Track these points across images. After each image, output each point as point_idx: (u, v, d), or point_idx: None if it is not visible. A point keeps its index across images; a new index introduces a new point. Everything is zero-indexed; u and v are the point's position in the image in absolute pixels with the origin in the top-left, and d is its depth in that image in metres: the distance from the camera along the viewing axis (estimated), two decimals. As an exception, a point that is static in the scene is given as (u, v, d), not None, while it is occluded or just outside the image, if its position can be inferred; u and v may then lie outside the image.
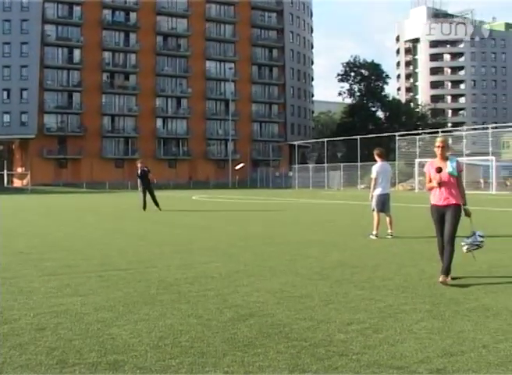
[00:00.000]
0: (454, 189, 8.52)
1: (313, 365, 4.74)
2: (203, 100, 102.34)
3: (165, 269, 9.67)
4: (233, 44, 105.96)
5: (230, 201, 36.23)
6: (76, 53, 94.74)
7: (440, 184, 8.46)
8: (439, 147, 8.66)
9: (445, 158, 8.65)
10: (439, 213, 8.51)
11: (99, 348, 5.22)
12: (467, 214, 8.48)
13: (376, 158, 14.91)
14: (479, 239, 8.46)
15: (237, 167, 14.41)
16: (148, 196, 25.84)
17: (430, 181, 8.71)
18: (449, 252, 8.34)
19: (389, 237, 14.31)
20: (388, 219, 14.67)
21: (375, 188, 14.74)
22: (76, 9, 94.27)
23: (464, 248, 8.51)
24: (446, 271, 8.28)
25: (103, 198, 48.74)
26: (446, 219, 8.40)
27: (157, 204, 25.72)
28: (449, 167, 8.50)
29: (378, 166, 14.71)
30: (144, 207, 25.51)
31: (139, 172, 26.24)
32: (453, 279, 8.36)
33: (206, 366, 4.73)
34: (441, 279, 8.19)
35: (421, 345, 5.27)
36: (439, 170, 8.45)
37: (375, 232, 14.33)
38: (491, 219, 20.54)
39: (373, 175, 14.78)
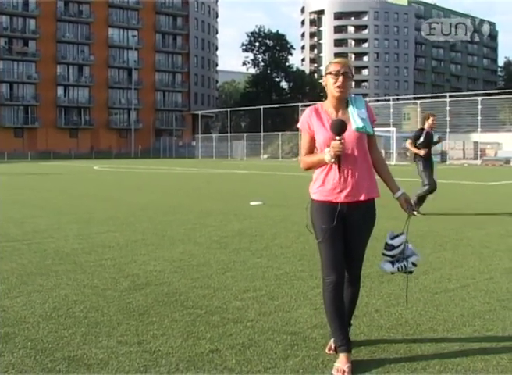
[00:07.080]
0: (367, 164, 4.06)
1: (207, 332, 4.75)
2: (105, 68, 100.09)
3: (62, 239, 9.49)
4: (137, 11, 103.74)
5: (132, 171, 35.86)
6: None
7: (340, 158, 3.86)
8: (338, 74, 3.94)
9: (344, 102, 4.07)
10: (333, 218, 3.98)
11: (-12, 321, 5.07)
12: (408, 207, 4.10)
13: None
14: (410, 266, 4.27)
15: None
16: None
17: (311, 151, 4.11)
18: (355, 295, 4.55)
19: None
20: None
21: None
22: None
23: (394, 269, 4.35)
24: (348, 342, 4.10)
25: (1, 168, 47.39)
26: (356, 232, 4.13)
27: None
28: (355, 119, 3.98)
29: None
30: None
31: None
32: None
33: (99, 335, 4.68)
34: (346, 369, 3.90)
35: (315, 311, 5.34)
36: (340, 127, 3.83)
37: None
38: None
39: None
